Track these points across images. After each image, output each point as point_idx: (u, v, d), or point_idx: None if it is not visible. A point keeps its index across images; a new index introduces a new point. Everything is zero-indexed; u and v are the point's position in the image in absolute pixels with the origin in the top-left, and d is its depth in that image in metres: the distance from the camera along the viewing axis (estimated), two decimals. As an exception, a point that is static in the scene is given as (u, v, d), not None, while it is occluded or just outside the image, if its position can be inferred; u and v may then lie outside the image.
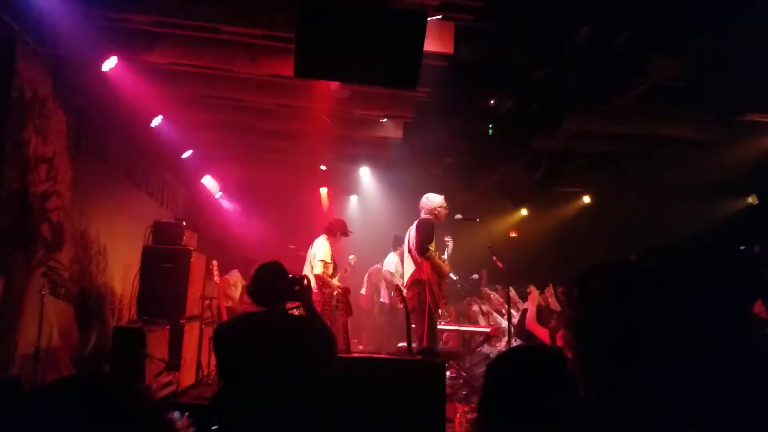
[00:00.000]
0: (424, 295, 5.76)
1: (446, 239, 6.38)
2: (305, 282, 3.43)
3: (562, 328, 6.66)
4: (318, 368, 3.23)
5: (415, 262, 5.92)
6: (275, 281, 3.34)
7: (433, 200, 6.08)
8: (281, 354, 3.10)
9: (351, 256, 7.80)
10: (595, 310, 0.91)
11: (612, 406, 0.88)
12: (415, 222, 6.04)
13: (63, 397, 0.94)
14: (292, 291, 3.36)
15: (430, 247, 5.85)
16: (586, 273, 0.97)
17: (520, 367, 1.49)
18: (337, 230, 7.24)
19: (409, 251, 6.01)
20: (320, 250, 7.06)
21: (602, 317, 0.90)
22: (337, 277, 7.18)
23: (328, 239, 7.19)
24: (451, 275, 6.85)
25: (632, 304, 0.87)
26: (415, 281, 5.91)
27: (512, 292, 7.82)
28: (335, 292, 6.63)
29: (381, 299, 9.08)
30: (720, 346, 0.84)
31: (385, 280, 8.45)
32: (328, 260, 7.04)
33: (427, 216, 6.01)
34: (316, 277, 6.72)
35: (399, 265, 7.75)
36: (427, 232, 5.85)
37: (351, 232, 7.42)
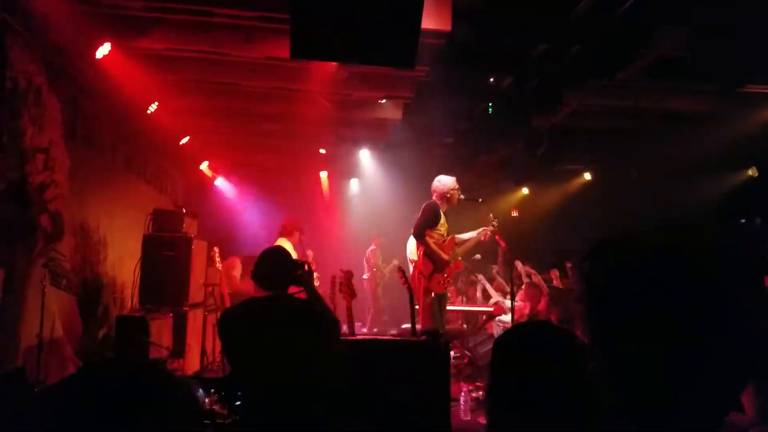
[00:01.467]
0: (417, 278, 5.79)
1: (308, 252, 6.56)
2: (306, 267, 3.43)
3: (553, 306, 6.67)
4: (323, 351, 3.24)
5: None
6: (280, 265, 3.32)
7: (445, 183, 6.01)
8: (288, 337, 3.11)
9: (308, 252, 7.69)
10: (609, 283, 0.90)
11: (624, 379, 0.87)
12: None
13: (102, 378, 0.98)
14: (295, 275, 3.36)
15: (436, 232, 5.84)
16: (597, 246, 0.95)
17: (528, 342, 1.48)
18: (293, 229, 7.17)
19: None
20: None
21: (616, 290, 0.89)
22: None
23: (289, 239, 7.11)
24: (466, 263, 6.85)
25: (647, 276, 0.86)
26: (414, 263, 5.95)
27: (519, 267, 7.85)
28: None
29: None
30: (736, 320, 0.83)
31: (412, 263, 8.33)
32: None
33: (435, 200, 5.95)
34: None
35: None
36: (427, 217, 5.82)
37: (302, 229, 7.33)
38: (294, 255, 7.05)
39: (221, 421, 3.27)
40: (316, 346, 3.21)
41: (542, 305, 6.99)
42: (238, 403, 3.16)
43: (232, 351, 3.29)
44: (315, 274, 7.23)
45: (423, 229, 5.79)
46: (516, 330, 1.65)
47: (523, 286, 7.55)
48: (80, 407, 0.94)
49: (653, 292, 0.85)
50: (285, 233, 7.22)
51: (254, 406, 3.09)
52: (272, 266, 3.32)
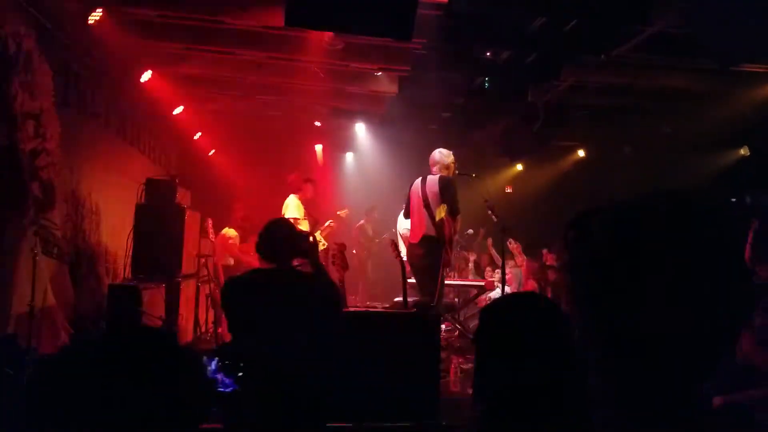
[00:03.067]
0: (440, 253, 5.69)
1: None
2: (311, 239, 3.43)
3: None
4: (329, 323, 3.24)
5: (431, 219, 5.76)
6: (287, 238, 3.32)
7: (448, 154, 5.98)
8: (297, 310, 3.10)
9: (341, 211, 7.71)
10: (594, 251, 0.90)
11: (609, 347, 0.88)
12: (434, 178, 5.85)
13: (120, 344, 1.00)
14: (301, 248, 3.35)
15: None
16: (582, 214, 0.95)
17: (515, 311, 1.49)
18: (300, 183, 7.31)
19: (426, 207, 5.82)
20: (289, 207, 7.17)
21: (602, 258, 0.88)
22: (318, 232, 7.14)
23: (297, 198, 7.27)
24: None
25: (633, 244, 0.86)
26: (431, 238, 5.75)
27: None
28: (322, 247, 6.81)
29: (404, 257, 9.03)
30: (720, 289, 0.83)
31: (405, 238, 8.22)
32: (299, 216, 7.09)
33: (445, 174, 5.89)
34: None
35: None
36: (455, 192, 5.77)
37: (312, 179, 7.48)
38: (298, 212, 7.13)
39: (223, 390, 3.29)
40: (322, 320, 3.21)
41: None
42: (240, 374, 3.16)
43: (236, 322, 3.26)
44: (330, 223, 7.27)
45: (457, 206, 5.76)
46: (502, 300, 1.66)
47: (524, 263, 7.60)
48: (95, 372, 0.94)
49: (637, 261, 0.85)
50: (294, 190, 7.30)
51: (256, 378, 3.08)
52: (277, 239, 3.29)
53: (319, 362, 3.13)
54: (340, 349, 3.45)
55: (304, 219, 7.11)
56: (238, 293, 3.24)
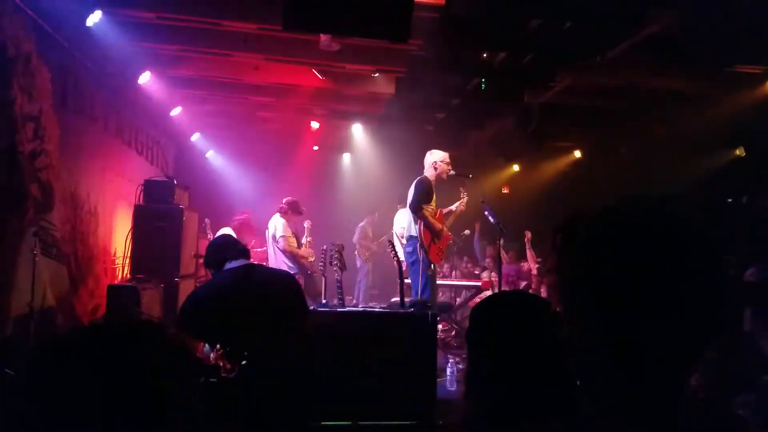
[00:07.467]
0: (417, 251, 5.85)
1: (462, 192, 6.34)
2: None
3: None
4: (297, 318, 3.27)
5: (414, 218, 5.98)
6: (225, 243, 3.60)
7: (436, 155, 6.08)
8: (264, 304, 3.13)
9: (306, 222, 7.76)
10: (580, 254, 0.93)
11: (595, 347, 0.91)
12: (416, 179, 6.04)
13: (108, 336, 1.02)
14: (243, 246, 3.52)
15: (429, 206, 5.90)
16: (570, 218, 0.98)
17: (503, 310, 1.51)
18: (290, 210, 7.36)
19: (408, 207, 6.07)
20: (278, 227, 7.19)
21: (587, 261, 0.92)
22: (303, 247, 7.26)
23: (282, 216, 7.30)
24: (456, 237, 6.90)
25: (617, 248, 0.89)
26: (411, 237, 6.01)
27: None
28: (312, 259, 6.98)
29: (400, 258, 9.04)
30: (700, 289, 0.86)
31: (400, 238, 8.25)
32: (288, 234, 7.17)
33: (425, 175, 5.99)
34: (285, 252, 7.00)
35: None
36: (421, 192, 5.86)
37: (304, 211, 7.49)
38: (287, 231, 7.18)
39: (225, 375, 3.31)
40: (291, 311, 3.28)
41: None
42: (244, 362, 3.18)
43: (211, 332, 3.27)
44: (308, 239, 7.35)
45: (420, 204, 5.84)
46: (492, 299, 1.68)
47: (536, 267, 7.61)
48: (76, 366, 0.96)
49: (619, 263, 0.88)
50: (282, 211, 7.33)
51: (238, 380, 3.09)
52: (219, 248, 3.55)
53: (293, 357, 3.15)
54: (329, 347, 3.47)
55: (292, 236, 7.19)
56: (209, 303, 3.26)
